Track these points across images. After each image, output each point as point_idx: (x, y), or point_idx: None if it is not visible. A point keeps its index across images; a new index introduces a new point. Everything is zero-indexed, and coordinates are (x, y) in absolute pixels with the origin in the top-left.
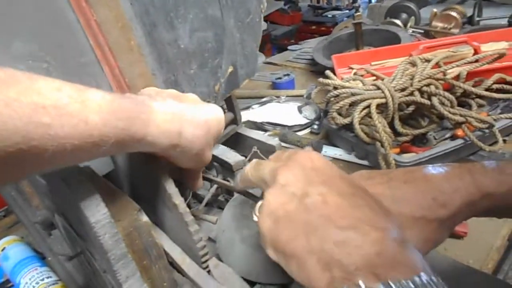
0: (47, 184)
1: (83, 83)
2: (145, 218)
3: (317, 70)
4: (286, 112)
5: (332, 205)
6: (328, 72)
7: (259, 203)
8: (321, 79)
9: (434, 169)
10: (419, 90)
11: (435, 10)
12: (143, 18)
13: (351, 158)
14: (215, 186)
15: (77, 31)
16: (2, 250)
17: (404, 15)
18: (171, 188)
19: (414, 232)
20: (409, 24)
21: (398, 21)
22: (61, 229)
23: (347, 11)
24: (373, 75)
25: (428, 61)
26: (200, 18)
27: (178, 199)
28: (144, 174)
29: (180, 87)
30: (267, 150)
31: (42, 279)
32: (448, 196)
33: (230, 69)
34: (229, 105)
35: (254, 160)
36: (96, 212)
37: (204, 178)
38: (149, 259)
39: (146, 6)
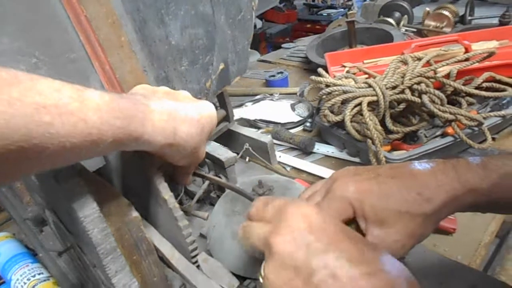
0: (37, 180)
1: (73, 79)
2: (135, 213)
3: (310, 68)
4: (279, 109)
5: (343, 278)
6: (320, 70)
7: (263, 265)
8: (313, 77)
9: (420, 165)
10: (410, 88)
11: (427, 9)
12: (134, 15)
13: (343, 155)
14: (206, 182)
15: (67, 27)
16: None
17: (397, 14)
18: (161, 183)
19: (399, 227)
20: (402, 23)
21: (391, 20)
22: (52, 225)
23: (342, 9)
24: (365, 73)
25: (419, 59)
26: (191, 15)
27: (167, 194)
28: (134, 169)
29: (171, 83)
30: (259, 147)
31: (34, 275)
32: (433, 191)
33: (222, 66)
34: (221, 102)
35: (241, 226)
36: (85, 207)
37: (196, 175)
38: (139, 254)
39: (136, 2)
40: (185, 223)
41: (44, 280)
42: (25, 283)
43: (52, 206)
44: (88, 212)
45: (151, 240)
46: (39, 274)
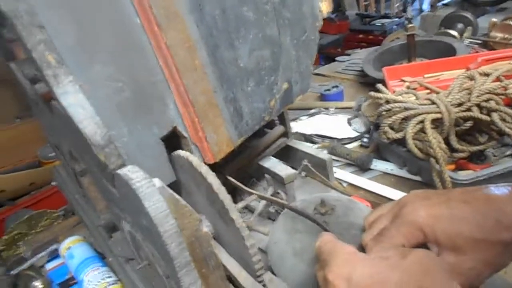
0: (118, 193)
1: (151, 100)
2: (205, 228)
3: (366, 81)
4: (335, 124)
5: None
6: (379, 85)
7: None
8: (372, 93)
9: (497, 190)
10: (478, 105)
11: (494, 19)
12: (208, 39)
13: (403, 173)
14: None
15: (149, 53)
16: (68, 249)
17: (460, 25)
18: (228, 203)
19: (474, 254)
20: (465, 35)
21: (453, 32)
22: (127, 234)
23: (397, 19)
24: (426, 88)
25: (487, 75)
26: (259, 38)
27: (235, 214)
28: (202, 188)
29: (238, 103)
30: (317, 163)
31: (103, 278)
32: None
33: (285, 85)
34: (281, 118)
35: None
36: (165, 223)
37: (265, 198)
38: (208, 268)
39: (210, 28)
40: (252, 242)
41: (113, 284)
42: (96, 285)
43: (130, 218)
44: (168, 228)
45: (219, 256)
46: (108, 277)
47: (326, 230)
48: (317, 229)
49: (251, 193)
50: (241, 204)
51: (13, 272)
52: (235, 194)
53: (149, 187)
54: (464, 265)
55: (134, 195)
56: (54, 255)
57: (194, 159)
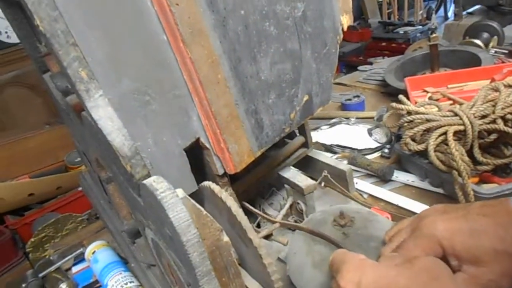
0: (143, 202)
1: (175, 113)
2: (226, 238)
3: (388, 91)
4: (355, 134)
5: None
6: (401, 96)
7: None
8: (394, 104)
9: None
10: (503, 117)
11: None
12: (230, 54)
13: (425, 185)
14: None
15: (174, 67)
16: (93, 253)
17: (485, 35)
18: (246, 224)
19: (494, 266)
20: (491, 44)
21: (478, 41)
22: (150, 241)
23: (421, 27)
24: (450, 99)
25: None
26: (280, 52)
27: (252, 234)
28: (222, 212)
29: (259, 115)
30: (337, 174)
31: (126, 283)
32: None
33: (306, 97)
34: (301, 128)
35: None
36: (188, 232)
37: (283, 224)
38: (228, 276)
39: (233, 43)
40: (269, 261)
41: None
42: None
43: (153, 226)
44: (190, 237)
45: (238, 265)
46: (130, 282)
47: (340, 247)
48: (345, 244)
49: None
50: (262, 233)
51: (41, 275)
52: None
53: (172, 198)
54: (484, 276)
55: (158, 205)
56: (80, 258)
57: (216, 187)
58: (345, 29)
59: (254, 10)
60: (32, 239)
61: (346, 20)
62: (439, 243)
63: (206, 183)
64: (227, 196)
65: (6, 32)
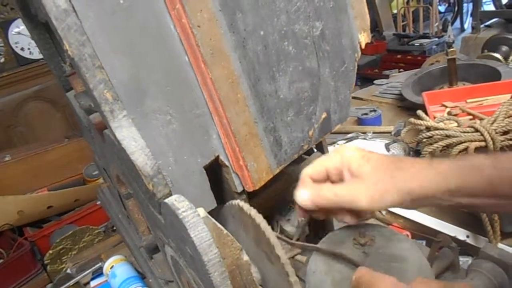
0: (164, 220)
1: (196, 131)
2: (245, 257)
3: (405, 105)
4: (373, 149)
5: None
6: (420, 112)
7: None
8: (413, 119)
9: None
10: None
11: None
12: (250, 74)
13: None
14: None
15: (195, 87)
16: (111, 268)
17: (504, 48)
18: (274, 240)
19: None
20: (510, 58)
21: (497, 55)
22: (169, 259)
23: (436, 39)
24: (469, 114)
25: None
26: (299, 70)
27: (280, 251)
28: (248, 231)
29: (277, 133)
30: None
31: None
32: None
33: (324, 115)
34: (318, 144)
35: None
36: (209, 252)
37: (295, 245)
38: None
39: (252, 63)
40: (295, 279)
41: None
42: None
43: (175, 245)
44: (212, 257)
45: (259, 283)
46: None
47: (358, 266)
48: (357, 260)
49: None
50: (287, 255)
51: None
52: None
53: (194, 217)
54: None
55: (180, 224)
56: (98, 273)
57: (245, 205)
58: (363, 47)
59: (273, 30)
60: (50, 251)
61: (364, 38)
62: (341, 156)
63: (234, 202)
64: (256, 214)
65: (29, 49)
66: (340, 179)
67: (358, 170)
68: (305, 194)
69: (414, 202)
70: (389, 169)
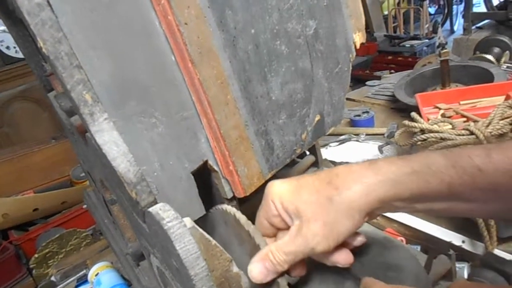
0: (148, 229)
1: (183, 135)
2: (235, 269)
3: (397, 107)
4: (365, 151)
5: None
6: (414, 114)
7: None
8: (407, 122)
9: None
10: None
11: None
12: (240, 74)
13: None
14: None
15: (182, 88)
16: (96, 275)
17: (496, 50)
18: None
19: (313, 216)
20: (503, 59)
21: (489, 56)
22: (155, 269)
23: (427, 40)
24: (463, 116)
25: None
26: (291, 71)
27: None
28: (243, 244)
29: (269, 136)
30: None
31: None
32: None
33: (317, 117)
34: (311, 147)
35: None
36: (196, 265)
37: None
38: None
39: (243, 63)
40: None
41: None
42: None
43: (161, 256)
44: (199, 271)
45: None
46: None
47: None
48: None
49: None
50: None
51: None
52: None
53: (180, 228)
54: (307, 227)
55: (164, 235)
56: (83, 280)
57: (242, 217)
58: (358, 47)
59: (265, 29)
60: (36, 255)
61: (359, 38)
62: (272, 202)
63: (229, 209)
64: (255, 231)
65: (15, 47)
66: (286, 224)
67: (296, 210)
68: (254, 270)
69: (371, 216)
70: (324, 195)
